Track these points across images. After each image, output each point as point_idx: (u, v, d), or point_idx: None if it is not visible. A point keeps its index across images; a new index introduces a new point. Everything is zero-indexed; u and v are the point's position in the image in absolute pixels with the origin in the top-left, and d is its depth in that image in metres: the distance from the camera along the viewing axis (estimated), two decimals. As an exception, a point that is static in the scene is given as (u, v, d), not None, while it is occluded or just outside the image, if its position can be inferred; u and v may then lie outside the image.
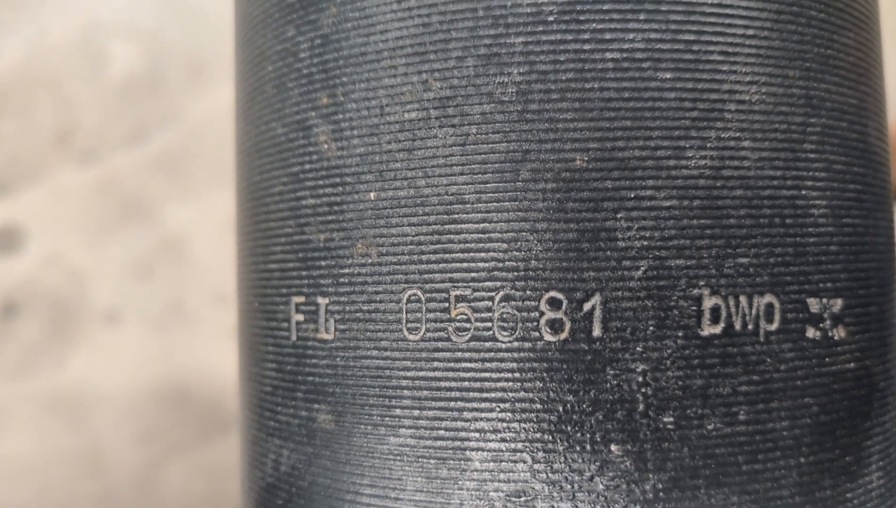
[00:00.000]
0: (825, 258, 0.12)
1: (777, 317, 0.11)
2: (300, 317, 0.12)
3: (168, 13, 0.68)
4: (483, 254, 0.11)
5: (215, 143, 0.71)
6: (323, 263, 0.12)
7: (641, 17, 0.11)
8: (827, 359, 0.12)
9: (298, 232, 0.12)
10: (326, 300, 0.12)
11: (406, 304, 0.11)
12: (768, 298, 0.11)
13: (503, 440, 0.11)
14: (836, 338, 0.12)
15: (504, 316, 0.11)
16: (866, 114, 0.13)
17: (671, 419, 0.11)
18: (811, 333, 0.12)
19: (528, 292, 0.11)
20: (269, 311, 0.13)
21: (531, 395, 0.11)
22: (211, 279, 0.67)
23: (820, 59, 0.12)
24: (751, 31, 0.12)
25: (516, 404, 0.11)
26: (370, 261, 0.12)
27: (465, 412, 0.11)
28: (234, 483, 0.15)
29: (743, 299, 0.11)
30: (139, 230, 0.66)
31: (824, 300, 0.12)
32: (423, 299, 0.11)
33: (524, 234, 0.11)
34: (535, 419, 0.11)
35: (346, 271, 0.12)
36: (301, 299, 0.12)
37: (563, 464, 0.11)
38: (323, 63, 0.12)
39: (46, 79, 0.70)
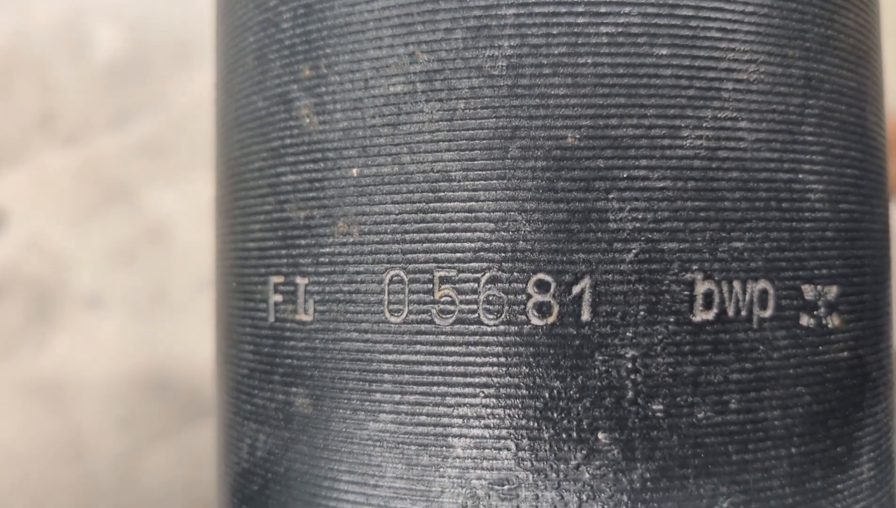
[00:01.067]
0: (821, 244, 0.11)
1: (771, 304, 0.11)
2: (278, 298, 0.12)
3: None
4: (469, 234, 0.11)
5: (199, 128, 0.70)
6: (303, 241, 0.12)
7: None
8: (820, 347, 0.11)
9: (278, 209, 0.12)
10: (306, 281, 0.12)
11: (388, 285, 0.11)
12: (762, 284, 0.11)
13: (487, 426, 0.10)
14: (830, 326, 0.11)
15: (490, 298, 0.10)
16: (865, 98, 0.13)
17: (661, 406, 0.10)
18: (805, 320, 0.11)
19: (515, 274, 0.10)
20: (246, 291, 0.13)
21: (517, 380, 0.10)
22: (193, 266, 0.66)
23: (820, 40, 0.12)
24: (750, 8, 0.11)
25: (501, 389, 0.10)
26: (351, 240, 0.11)
27: (447, 398, 0.11)
28: (214, 470, 0.15)
29: (736, 284, 0.11)
30: (122, 215, 0.66)
31: (819, 287, 0.11)
32: (405, 279, 0.11)
33: (512, 214, 0.10)
34: (520, 406, 0.10)
35: (327, 250, 0.11)
36: (280, 279, 0.12)
37: (548, 452, 0.10)
38: (306, 34, 0.12)
39: (30, 62, 0.69)
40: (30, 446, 0.60)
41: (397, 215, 0.11)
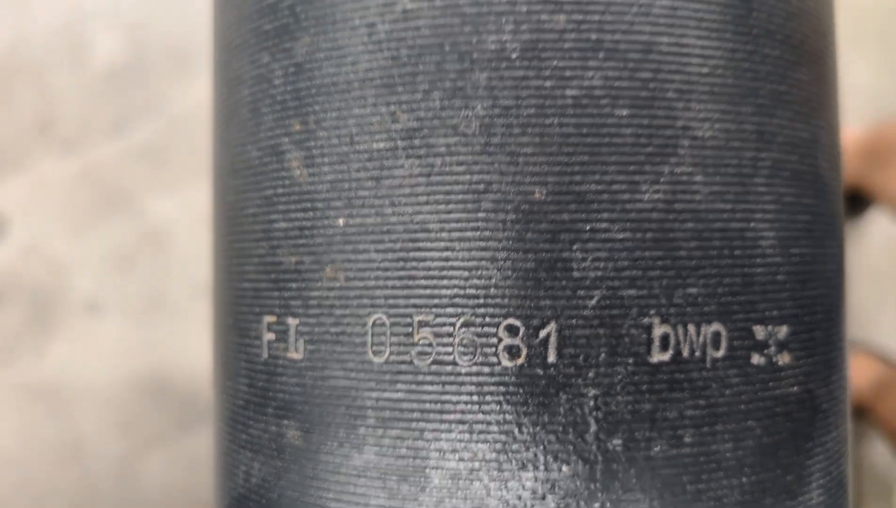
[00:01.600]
0: (772, 288, 0.12)
1: (724, 344, 0.12)
2: (271, 336, 0.13)
3: (153, 3, 0.68)
4: (445, 282, 0.11)
5: (199, 134, 0.71)
6: (293, 285, 0.13)
7: (601, 55, 0.12)
8: (771, 384, 0.12)
9: (270, 254, 0.13)
10: (296, 321, 0.12)
11: (371, 328, 0.12)
12: (715, 326, 0.12)
13: (461, 459, 0.11)
14: (780, 363, 0.12)
15: (464, 341, 0.11)
16: (818, 146, 0.14)
17: (620, 441, 0.11)
18: (756, 359, 0.12)
19: (487, 319, 0.11)
20: (242, 328, 0.13)
21: (488, 417, 0.11)
22: (192, 271, 0.67)
23: (773, 95, 0.13)
24: (706, 70, 0.12)
25: (474, 425, 0.11)
26: (338, 285, 0.12)
27: (425, 433, 0.11)
28: (211, 483, 0.16)
29: (691, 327, 0.12)
30: (121, 221, 0.66)
31: (770, 328, 0.12)
32: (387, 323, 0.12)
33: (484, 263, 0.11)
34: (491, 440, 0.11)
35: (316, 293, 0.12)
36: (272, 318, 0.13)
37: (516, 483, 0.11)
38: (296, 90, 0.13)
39: (28, 67, 0.70)
40: (29, 449, 0.61)
41: (380, 263, 0.12)
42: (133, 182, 0.67)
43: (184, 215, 0.67)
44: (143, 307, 0.63)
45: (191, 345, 0.63)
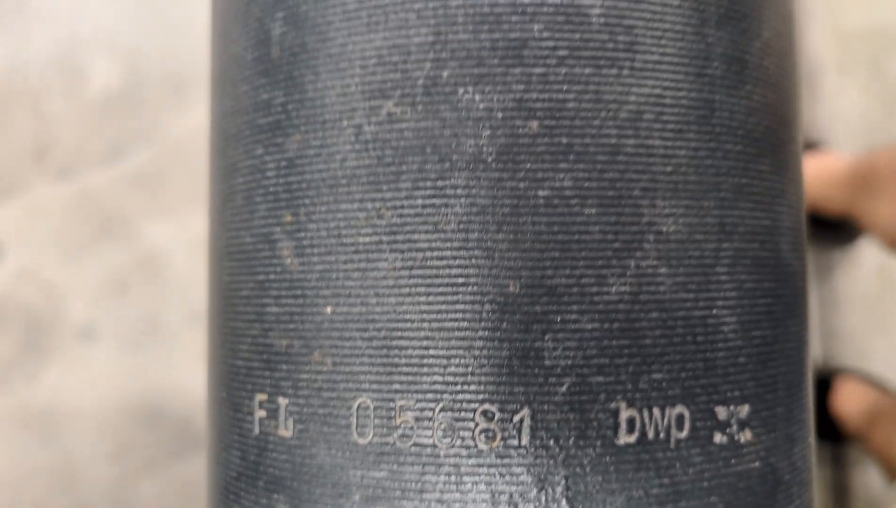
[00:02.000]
0: (733, 370, 0.13)
1: (687, 425, 0.13)
2: (263, 413, 0.14)
3: (149, 30, 0.69)
4: (426, 369, 0.12)
5: (193, 160, 0.72)
6: (284, 366, 0.13)
7: (571, 158, 0.12)
8: (733, 461, 0.13)
9: (262, 336, 0.14)
10: (286, 401, 0.13)
11: (356, 411, 0.13)
12: (679, 409, 0.13)
13: None
14: (741, 441, 0.13)
15: (443, 425, 0.12)
16: (779, 231, 0.14)
17: None
18: (718, 438, 0.13)
19: (464, 405, 0.12)
20: (235, 403, 0.14)
21: (466, 497, 0.12)
22: (186, 297, 0.68)
23: (735, 188, 0.14)
24: (669, 168, 0.13)
25: (452, 504, 0.12)
26: (325, 369, 0.13)
27: None
28: (204, 500, 0.17)
29: (656, 410, 0.12)
30: (115, 247, 0.67)
31: (731, 408, 0.13)
32: (371, 406, 0.13)
33: (462, 352, 0.12)
34: None
35: (305, 376, 0.13)
36: (264, 396, 0.14)
37: None
38: (287, 184, 0.13)
39: (25, 93, 0.71)
40: (22, 475, 0.61)
41: (364, 349, 0.13)
42: (128, 208, 0.68)
43: (179, 241, 0.68)
44: (137, 333, 0.63)
45: (184, 371, 0.63)
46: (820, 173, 0.50)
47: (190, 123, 0.66)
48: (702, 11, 0.13)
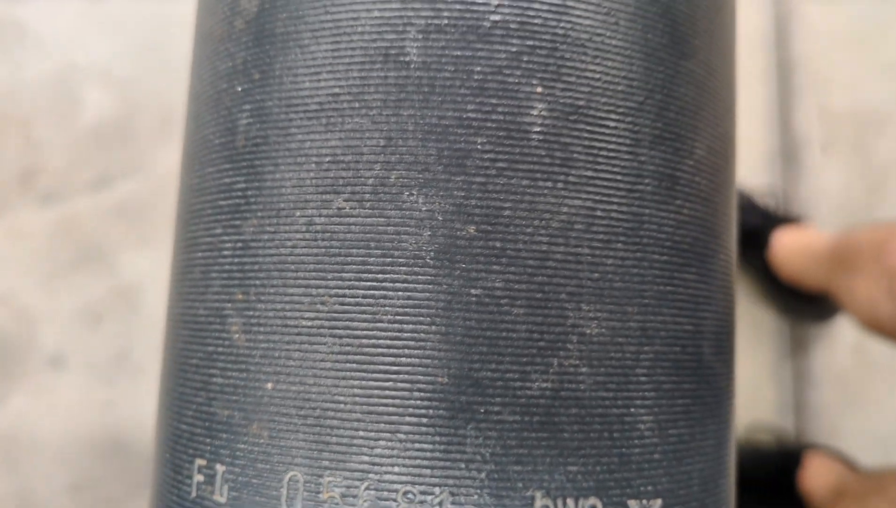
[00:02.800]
0: (648, 465, 0.14)
1: None
2: (201, 478, 0.14)
3: (144, 63, 0.70)
4: (354, 449, 0.13)
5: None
6: (224, 435, 0.14)
7: (503, 261, 0.14)
8: None
9: (207, 404, 0.14)
10: (224, 468, 0.14)
11: (287, 483, 0.13)
12: (592, 500, 0.13)
13: None
14: None
15: (367, 503, 0.13)
16: (703, 336, 0.15)
17: None
18: None
19: (388, 485, 0.13)
20: (176, 465, 0.15)
21: None
22: (159, 332, 0.68)
23: (658, 295, 0.15)
24: (596, 275, 0.14)
25: None
26: (262, 441, 0.14)
27: None
28: None
29: (570, 501, 0.13)
30: (93, 276, 0.67)
31: (644, 501, 0.14)
32: (301, 480, 0.13)
33: (387, 435, 0.13)
34: None
35: (242, 445, 0.14)
36: (203, 462, 0.14)
37: None
38: (241, 264, 0.14)
39: (16, 117, 0.71)
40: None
41: (299, 426, 0.13)
42: (109, 238, 0.68)
43: (156, 275, 0.68)
44: (107, 365, 0.63)
45: (151, 406, 0.63)
46: (800, 249, 0.52)
47: (177, 158, 0.67)
48: (636, 133, 0.15)
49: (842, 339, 0.67)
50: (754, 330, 0.65)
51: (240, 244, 0.14)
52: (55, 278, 0.65)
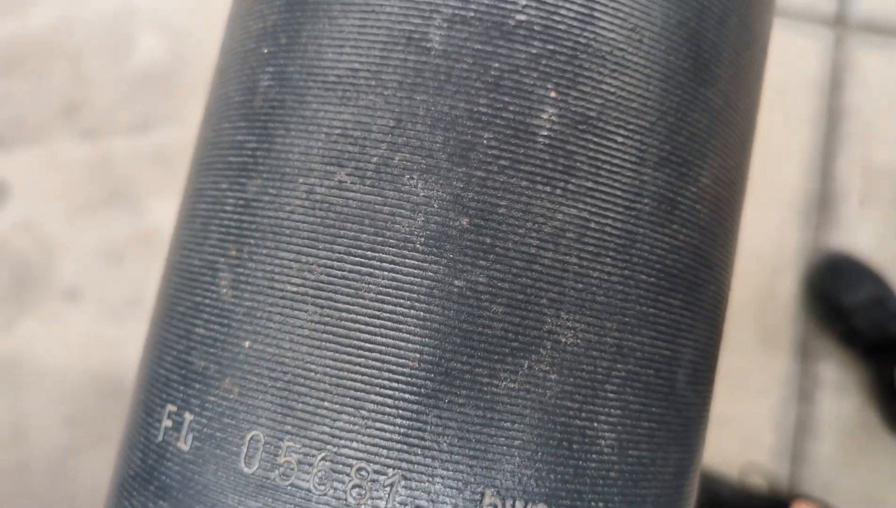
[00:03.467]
0: (602, 482, 0.14)
1: None
2: (169, 423, 0.15)
3: (200, 18, 0.71)
4: (318, 419, 0.13)
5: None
6: (197, 385, 0.14)
7: (491, 257, 0.14)
8: None
9: (186, 352, 0.15)
10: (191, 417, 0.14)
11: (248, 441, 0.14)
12: (541, 507, 0.14)
13: None
14: None
15: (321, 474, 0.13)
16: (679, 363, 0.15)
17: None
18: None
19: (343, 459, 0.13)
20: (149, 407, 0.15)
21: None
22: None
23: (640, 316, 0.15)
24: (580, 286, 0.14)
25: None
26: (231, 396, 0.14)
27: None
28: None
29: (519, 503, 0.13)
30: (120, 217, 0.69)
31: None
32: (262, 441, 0.14)
33: (352, 409, 0.13)
34: None
35: (212, 398, 0.14)
36: (174, 408, 0.15)
37: None
38: (240, 221, 0.15)
39: (68, 50, 0.73)
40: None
41: (268, 388, 0.14)
42: (141, 182, 0.69)
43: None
44: (120, 304, 0.64)
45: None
46: None
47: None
48: (643, 152, 0.15)
49: (850, 396, 0.66)
50: (764, 371, 0.65)
51: (241, 202, 0.15)
52: (83, 212, 0.66)
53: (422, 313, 0.13)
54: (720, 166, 0.16)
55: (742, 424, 0.64)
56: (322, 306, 0.14)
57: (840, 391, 0.65)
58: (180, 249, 0.16)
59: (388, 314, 0.14)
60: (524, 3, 0.14)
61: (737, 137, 0.17)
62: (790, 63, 0.60)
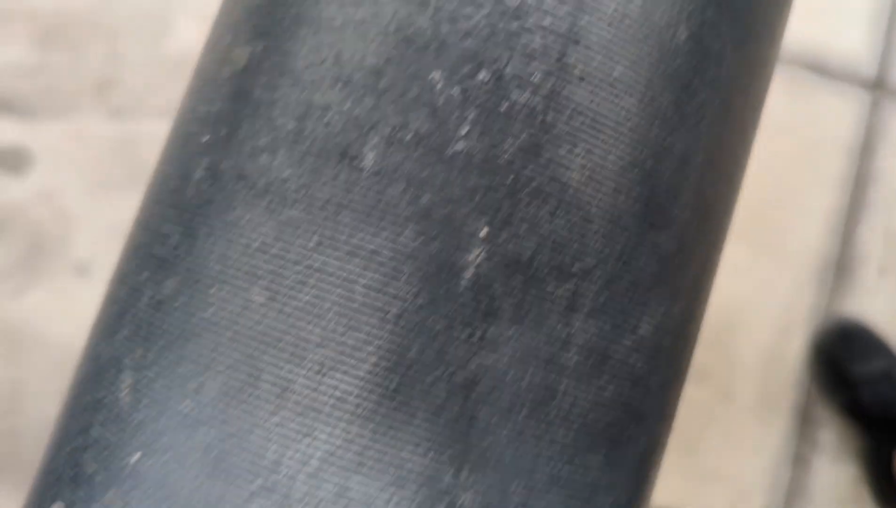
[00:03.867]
0: None
1: None
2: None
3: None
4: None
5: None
6: (82, 491, 0.14)
7: (393, 405, 0.13)
8: None
9: (81, 450, 0.14)
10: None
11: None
12: None
13: None
14: None
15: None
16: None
17: None
18: None
19: None
20: (40, 498, 0.15)
21: None
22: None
23: (550, 478, 0.14)
24: (486, 443, 0.13)
25: None
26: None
27: None
28: None
29: None
30: (138, 197, 0.69)
31: None
32: None
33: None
34: None
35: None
36: None
37: None
38: (150, 321, 0.14)
39: (107, 27, 0.73)
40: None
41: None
42: (161, 166, 0.69)
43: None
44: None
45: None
46: None
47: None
48: (574, 299, 0.14)
49: (847, 466, 0.64)
50: (763, 429, 0.63)
51: (156, 300, 0.14)
52: (103, 189, 0.66)
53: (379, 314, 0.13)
54: (664, 315, 0.15)
55: (734, 482, 0.62)
56: (218, 430, 0.13)
57: (837, 459, 0.63)
58: (94, 338, 0.16)
59: (285, 450, 0.13)
60: (467, 129, 0.13)
61: (689, 281, 0.16)
62: (824, 122, 0.58)
